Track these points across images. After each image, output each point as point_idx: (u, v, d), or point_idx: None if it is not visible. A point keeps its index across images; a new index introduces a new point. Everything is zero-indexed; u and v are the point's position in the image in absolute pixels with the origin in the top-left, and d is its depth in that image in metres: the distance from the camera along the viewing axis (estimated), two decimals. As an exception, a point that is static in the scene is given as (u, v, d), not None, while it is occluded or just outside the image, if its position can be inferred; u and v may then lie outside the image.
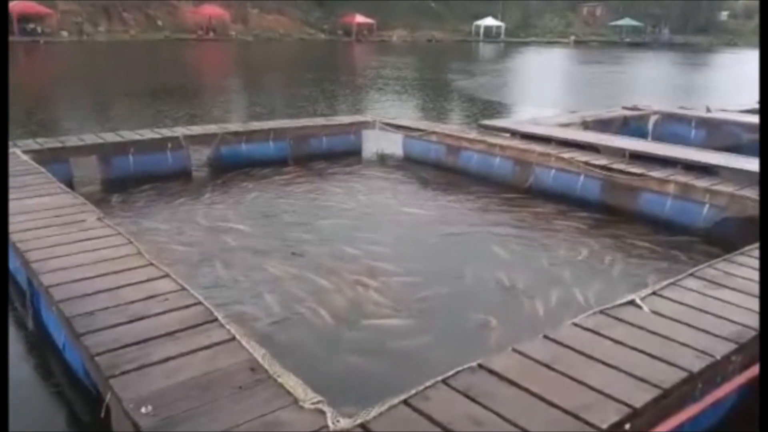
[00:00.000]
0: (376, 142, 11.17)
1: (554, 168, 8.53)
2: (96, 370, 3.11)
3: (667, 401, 3.02)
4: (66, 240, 4.80)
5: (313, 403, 2.78)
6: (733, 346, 3.44)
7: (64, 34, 46.18)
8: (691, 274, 4.49)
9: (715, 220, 6.95)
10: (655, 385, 3.02)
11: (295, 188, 8.73)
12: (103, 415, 3.00)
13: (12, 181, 6.40)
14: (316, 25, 61.57)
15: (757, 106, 13.38)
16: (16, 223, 5.13)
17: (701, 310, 3.88)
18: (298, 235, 6.74)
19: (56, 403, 3.95)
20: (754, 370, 3.56)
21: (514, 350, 3.35)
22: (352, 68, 33.95)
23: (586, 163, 8.19)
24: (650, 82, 29.97)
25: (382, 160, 10.83)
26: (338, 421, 2.67)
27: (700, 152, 8.49)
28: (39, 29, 45.17)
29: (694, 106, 13.85)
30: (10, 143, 8.20)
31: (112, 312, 3.61)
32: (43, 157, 7.82)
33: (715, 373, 3.32)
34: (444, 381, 3.00)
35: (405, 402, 2.83)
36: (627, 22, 75.19)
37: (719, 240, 6.56)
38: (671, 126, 12.52)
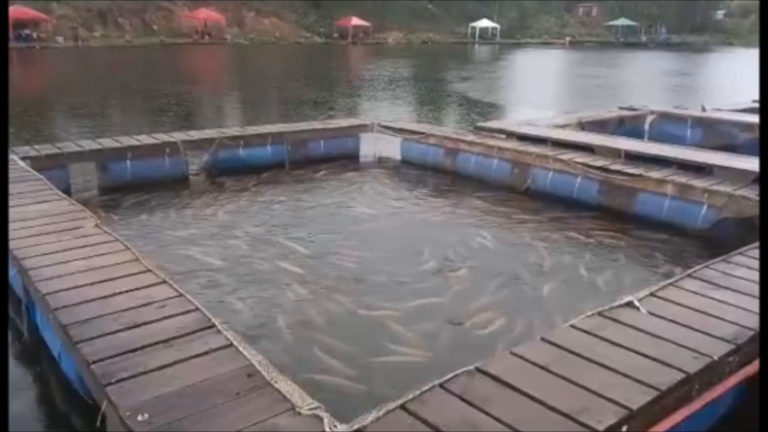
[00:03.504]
0: (374, 146, 11.17)
1: (552, 169, 8.53)
2: (92, 378, 3.11)
3: (664, 402, 3.02)
4: (63, 247, 4.78)
5: (310, 409, 2.77)
6: (730, 347, 3.44)
7: (60, 39, 46.08)
8: (688, 275, 4.49)
9: (713, 220, 6.96)
10: (652, 387, 3.02)
11: (291, 192, 8.73)
12: (98, 423, 2.99)
13: (9, 188, 6.37)
14: (311, 29, 61.53)
15: (753, 105, 13.43)
16: (13, 231, 5.11)
17: (699, 311, 3.88)
18: (297, 241, 6.75)
19: (51, 413, 3.92)
20: (749, 370, 3.56)
21: (512, 353, 3.35)
22: (347, 71, 33.91)
23: (584, 164, 8.19)
24: (645, 82, 30.00)
25: (380, 163, 10.84)
26: (335, 426, 2.67)
27: (696, 152, 8.50)
28: (34, 35, 45.07)
29: (690, 105, 13.89)
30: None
31: (109, 319, 3.60)
32: (40, 163, 7.80)
33: (712, 373, 3.32)
34: (441, 385, 3.00)
35: (402, 406, 2.83)
36: (622, 21, 75.31)
37: (717, 240, 6.57)
38: (667, 126, 12.52)
